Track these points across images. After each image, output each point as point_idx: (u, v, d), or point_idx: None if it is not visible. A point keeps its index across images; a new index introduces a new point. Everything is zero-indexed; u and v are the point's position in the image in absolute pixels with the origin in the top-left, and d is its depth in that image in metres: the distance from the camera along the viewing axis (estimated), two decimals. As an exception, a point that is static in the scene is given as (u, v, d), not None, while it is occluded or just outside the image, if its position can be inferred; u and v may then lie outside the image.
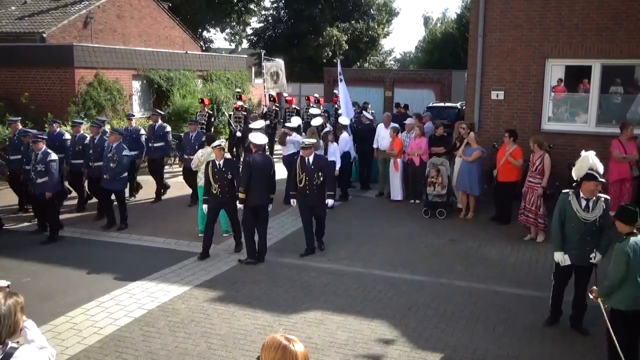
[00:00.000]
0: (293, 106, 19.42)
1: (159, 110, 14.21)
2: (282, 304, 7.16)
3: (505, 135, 10.45)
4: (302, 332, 6.38)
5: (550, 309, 6.65)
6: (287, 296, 7.43)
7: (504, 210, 10.70)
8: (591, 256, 6.12)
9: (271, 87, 21.18)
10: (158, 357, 5.88)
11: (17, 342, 2.94)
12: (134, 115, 13.17)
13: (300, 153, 9.26)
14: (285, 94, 21.83)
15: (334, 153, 11.72)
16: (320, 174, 8.94)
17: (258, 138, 9.04)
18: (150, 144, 12.55)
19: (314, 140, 9.48)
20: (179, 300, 7.29)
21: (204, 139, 11.09)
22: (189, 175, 11.98)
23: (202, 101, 16.59)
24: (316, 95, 20.83)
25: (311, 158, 8.99)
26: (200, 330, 6.46)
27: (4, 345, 2.84)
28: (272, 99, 18.79)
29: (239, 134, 16.09)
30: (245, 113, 16.81)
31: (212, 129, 16.62)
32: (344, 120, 13.22)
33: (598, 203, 6.14)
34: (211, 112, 16.78)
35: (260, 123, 11.86)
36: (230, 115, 17.27)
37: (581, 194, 6.18)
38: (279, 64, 21.85)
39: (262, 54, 23.53)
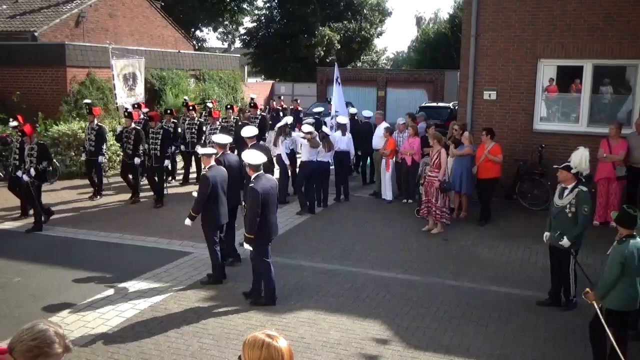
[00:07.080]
0: (260, 112, 14.75)
1: None
2: (275, 303, 7.15)
3: (483, 133, 10.69)
4: (294, 331, 6.37)
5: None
6: (280, 295, 7.41)
7: (485, 206, 10.79)
8: (559, 238, 6.76)
9: (125, 96, 14.54)
10: (150, 357, 5.85)
11: None
12: None
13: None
14: (144, 109, 14.49)
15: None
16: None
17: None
18: None
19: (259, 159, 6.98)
20: (171, 300, 7.26)
21: None
22: None
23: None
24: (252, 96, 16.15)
25: None
26: (192, 329, 6.44)
27: None
28: (127, 114, 12.49)
29: (137, 160, 11.97)
30: (140, 133, 12.18)
31: (106, 158, 12.53)
32: (342, 119, 13.19)
33: (571, 193, 6.68)
34: (99, 127, 12.30)
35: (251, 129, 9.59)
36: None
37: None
38: (137, 62, 15.08)
39: (110, 48, 14.27)
